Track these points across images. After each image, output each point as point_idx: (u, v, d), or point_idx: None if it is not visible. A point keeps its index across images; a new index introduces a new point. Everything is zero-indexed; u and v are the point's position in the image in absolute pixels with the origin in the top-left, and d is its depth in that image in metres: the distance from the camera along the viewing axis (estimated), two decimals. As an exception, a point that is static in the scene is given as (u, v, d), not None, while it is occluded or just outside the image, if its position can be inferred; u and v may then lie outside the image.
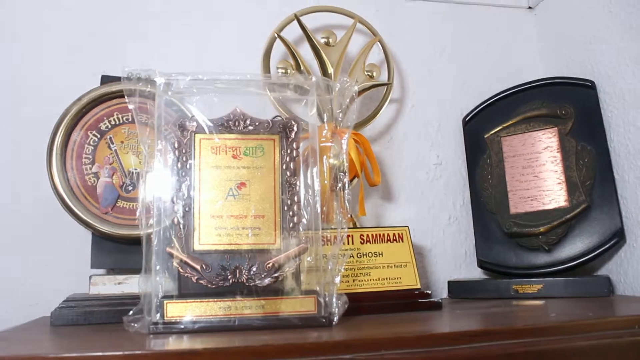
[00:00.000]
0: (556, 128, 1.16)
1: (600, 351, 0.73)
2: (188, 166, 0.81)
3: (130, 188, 1.00)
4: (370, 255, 0.97)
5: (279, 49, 1.15)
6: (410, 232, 1.01)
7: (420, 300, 0.95)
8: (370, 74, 1.15)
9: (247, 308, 0.77)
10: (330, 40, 1.14)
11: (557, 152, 1.15)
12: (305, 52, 1.15)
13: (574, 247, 1.10)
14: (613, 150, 1.12)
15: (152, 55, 1.19)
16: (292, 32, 1.16)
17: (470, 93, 1.34)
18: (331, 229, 0.91)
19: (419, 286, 0.97)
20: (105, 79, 1.04)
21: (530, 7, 1.42)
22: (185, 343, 0.69)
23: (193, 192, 0.80)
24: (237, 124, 0.83)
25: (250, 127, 0.83)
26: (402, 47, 1.32)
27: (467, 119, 1.28)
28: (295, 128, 0.84)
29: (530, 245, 1.14)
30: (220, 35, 1.23)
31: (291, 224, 0.81)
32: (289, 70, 1.10)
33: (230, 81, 0.84)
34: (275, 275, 0.79)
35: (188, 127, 0.82)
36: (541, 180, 1.16)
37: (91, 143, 1.00)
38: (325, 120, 1.03)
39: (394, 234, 1.00)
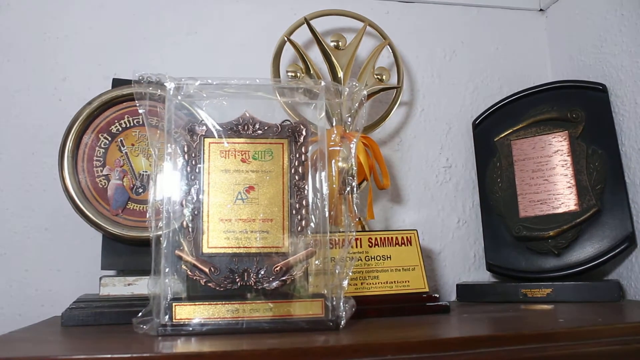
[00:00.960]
0: (567, 131, 1.16)
1: (608, 357, 0.73)
2: (197, 170, 0.82)
3: (140, 190, 1.00)
4: (378, 258, 0.97)
5: (289, 52, 1.16)
6: (418, 235, 1.01)
7: (428, 304, 0.95)
8: (380, 77, 1.15)
9: (255, 311, 0.77)
10: (340, 43, 1.14)
11: (568, 155, 1.15)
12: (315, 55, 1.15)
13: (583, 251, 1.10)
14: (624, 154, 1.11)
15: (163, 59, 1.19)
16: (302, 36, 1.16)
17: (480, 96, 1.34)
18: (340, 232, 0.91)
19: (427, 289, 0.97)
20: (117, 82, 1.05)
21: (541, 10, 1.41)
22: (192, 346, 0.69)
23: (202, 195, 0.81)
24: (246, 128, 0.84)
25: (260, 131, 0.84)
26: (413, 50, 1.32)
27: (476, 122, 1.28)
28: (304, 132, 0.85)
29: (540, 249, 1.13)
30: (231, 40, 1.23)
31: (299, 228, 0.82)
32: (298, 74, 1.10)
33: (239, 85, 0.85)
34: (283, 278, 0.79)
35: (197, 131, 0.83)
36: (551, 183, 1.15)
37: (102, 146, 1.00)
38: (334, 124, 1.04)
39: (402, 238, 1.00)
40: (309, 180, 0.83)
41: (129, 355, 0.62)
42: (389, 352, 0.66)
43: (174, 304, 0.77)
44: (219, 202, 0.81)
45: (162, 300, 0.77)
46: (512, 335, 0.73)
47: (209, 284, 0.78)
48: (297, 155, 0.84)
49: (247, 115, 0.84)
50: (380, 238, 0.99)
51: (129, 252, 1.00)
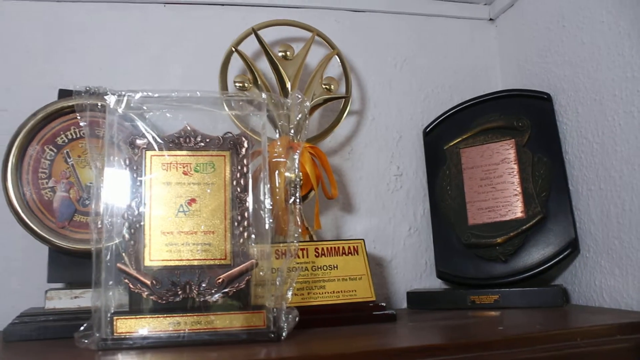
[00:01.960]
0: (513, 140, 1.18)
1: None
2: (139, 183, 0.82)
3: (87, 202, 1.00)
4: (325, 268, 0.98)
5: (238, 62, 1.16)
6: (365, 245, 1.02)
7: (374, 313, 0.97)
8: (328, 87, 1.16)
9: (196, 323, 0.78)
10: (288, 53, 1.14)
11: (514, 163, 1.17)
12: (264, 66, 1.16)
13: (530, 257, 1.12)
14: (568, 162, 1.14)
15: (111, 69, 1.18)
16: (251, 46, 1.17)
17: (431, 104, 1.35)
18: (284, 242, 0.92)
19: (374, 298, 0.98)
20: (63, 93, 1.04)
21: (491, 19, 1.44)
22: (131, 359, 0.69)
23: (144, 208, 0.81)
24: (187, 140, 0.84)
25: (202, 144, 0.84)
26: (363, 59, 1.33)
27: (427, 130, 1.30)
28: (245, 144, 0.85)
29: (488, 256, 1.15)
30: (180, 50, 1.23)
31: (241, 240, 0.82)
32: (246, 84, 1.11)
33: (182, 98, 0.85)
34: (225, 290, 0.80)
35: (139, 144, 0.83)
36: (498, 191, 1.17)
37: (48, 157, 1.00)
38: (279, 135, 1.04)
39: (349, 247, 1.01)
40: (250, 192, 0.84)
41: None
42: (324, 363, 0.67)
43: (114, 318, 0.76)
44: (161, 215, 0.81)
45: (103, 314, 0.77)
46: (448, 345, 0.74)
47: (151, 297, 0.78)
48: (239, 167, 0.84)
49: (189, 127, 0.84)
50: (327, 248, 1.00)
51: (76, 265, 0.98)
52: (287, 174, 0.95)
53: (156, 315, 0.77)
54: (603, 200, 1.05)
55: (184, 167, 0.83)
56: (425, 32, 1.40)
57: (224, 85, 1.12)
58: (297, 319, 0.81)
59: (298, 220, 0.88)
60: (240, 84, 1.11)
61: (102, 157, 0.83)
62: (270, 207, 0.84)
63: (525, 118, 1.18)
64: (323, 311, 0.94)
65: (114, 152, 0.83)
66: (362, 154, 1.30)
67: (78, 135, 1.02)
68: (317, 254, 0.99)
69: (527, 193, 1.14)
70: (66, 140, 1.01)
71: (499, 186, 1.18)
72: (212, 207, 0.82)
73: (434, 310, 1.10)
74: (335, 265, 0.99)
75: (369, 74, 1.34)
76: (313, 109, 1.15)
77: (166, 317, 0.77)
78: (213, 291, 0.79)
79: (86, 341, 0.76)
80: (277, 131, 1.05)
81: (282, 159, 0.94)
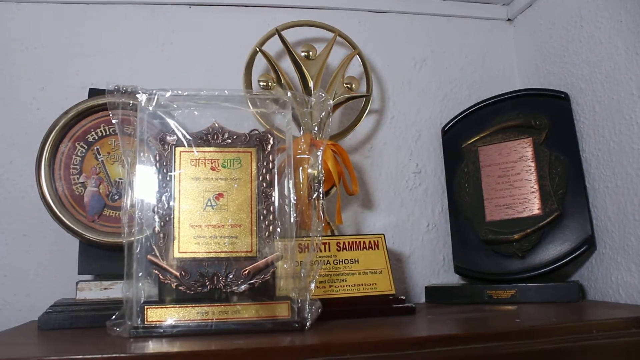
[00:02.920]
0: (531, 138, 1.20)
1: (560, 355, 0.77)
2: (168, 178, 0.85)
3: (116, 197, 1.03)
4: (346, 262, 1.01)
5: (262, 62, 1.19)
6: (385, 239, 1.05)
7: (394, 306, 0.99)
8: (349, 86, 1.19)
9: (223, 313, 0.81)
10: (311, 53, 1.17)
11: (532, 161, 1.19)
12: (287, 65, 1.19)
13: (546, 253, 1.14)
14: (585, 160, 1.16)
15: (140, 69, 1.22)
16: (275, 46, 1.20)
17: (449, 103, 1.38)
18: (308, 237, 0.95)
19: (393, 292, 1.01)
20: (93, 92, 1.08)
21: (509, 19, 1.46)
22: (162, 346, 0.73)
23: (173, 202, 0.84)
24: (215, 137, 0.87)
25: (229, 140, 0.87)
26: (384, 59, 1.36)
27: (445, 128, 1.32)
28: (271, 141, 0.88)
29: (505, 252, 1.17)
30: (205, 50, 1.27)
31: (267, 233, 0.85)
32: (270, 83, 1.14)
33: (209, 96, 0.88)
34: (251, 281, 0.83)
35: (168, 141, 0.86)
36: (516, 188, 1.19)
37: (79, 154, 1.03)
38: (302, 132, 1.07)
39: (369, 242, 1.04)
40: (275, 187, 0.87)
41: (99, 356, 0.65)
42: (348, 352, 0.69)
43: (145, 307, 0.80)
44: (190, 209, 0.84)
45: (135, 304, 0.81)
46: (467, 335, 0.77)
47: (180, 288, 0.82)
48: (265, 163, 0.87)
49: (217, 125, 0.88)
50: (348, 242, 1.03)
51: (105, 258, 1.02)
52: (310, 170, 0.98)
53: (185, 305, 0.80)
54: (620, 197, 1.07)
55: (211, 163, 0.86)
56: (445, 33, 1.42)
57: (248, 84, 1.15)
58: (320, 310, 0.84)
59: (321, 215, 0.91)
60: (264, 83, 1.14)
61: (133, 153, 0.86)
62: (295, 202, 0.87)
63: (542, 117, 1.20)
64: (344, 303, 0.97)
65: (144, 148, 0.86)
66: (382, 152, 1.32)
67: (108, 133, 1.05)
68: (338, 248, 1.01)
69: (544, 190, 1.16)
70: (96, 138, 1.05)
71: (516, 183, 1.20)
72: (238, 201, 0.85)
73: (452, 305, 1.12)
74: (356, 259, 1.01)
75: (389, 73, 1.36)
76: (335, 107, 1.17)
77: (194, 306, 0.80)
78: (239, 282, 0.82)
79: (118, 329, 0.79)
80: (301, 129, 1.08)
81: (305, 156, 0.96)
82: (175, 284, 0.82)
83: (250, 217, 0.85)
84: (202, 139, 0.87)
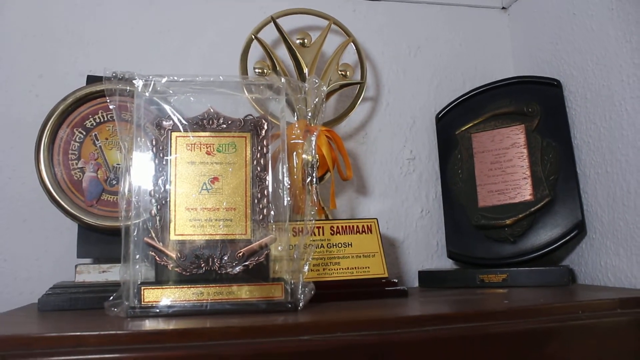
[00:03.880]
0: (523, 125, 1.22)
1: (546, 334, 0.79)
2: (165, 162, 0.87)
3: (114, 182, 1.05)
4: (340, 245, 1.03)
5: (258, 50, 1.20)
6: (379, 224, 1.07)
7: (386, 289, 1.01)
8: (343, 73, 1.20)
9: (218, 294, 0.83)
10: (306, 41, 1.19)
11: (524, 148, 1.21)
12: (282, 53, 1.20)
13: (537, 238, 1.16)
14: (576, 147, 1.17)
15: (136, 57, 1.24)
16: (270, 34, 1.21)
17: (443, 91, 1.39)
18: (301, 220, 0.97)
19: (386, 275, 1.03)
20: (91, 79, 1.10)
21: (503, 8, 1.47)
22: (158, 325, 0.74)
23: (169, 186, 0.86)
24: (211, 122, 0.89)
25: (224, 126, 0.89)
26: (378, 47, 1.38)
27: (439, 116, 1.34)
28: (265, 126, 0.90)
29: (497, 237, 1.20)
30: (201, 38, 1.28)
31: (261, 216, 0.87)
32: (265, 71, 1.15)
33: (205, 82, 0.90)
34: (246, 263, 0.85)
35: (165, 126, 0.88)
36: (508, 175, 1.21)
37: (77, 140, 1.05)
38: (296, 118, 1.09)
39: (363, 226, 1.05)
40: (270, 171, 0.89)
41: (97, 333, 0.67)
42: (338, 330, 0.71)
43: (142, 287, 0.82)
44: (185, 192, 0.86)
45: (132, 285, 0.83)
46: (455, 314, 0.79)
47: (176, 269, 0.84)
48: (259, 148, 0.89)
49: (212, 110, 0.89)
50: (342, 226, 1.04)
51: (103, 241, 1.04)
52: (304, 155, 1.00)
53: (181, 286, 0.82)
54: (609, 183, 1.09)
55: (207, 148, 0.88)
56: (439, 21, 1.43)
57: (244, 71, 1.17)
58: (312, 291, 0.86)
59: (314, 199, 0.93)
60: (260, 70, 1.15)
61: (130, 138, 0.88)
62: (289, 186, 0.89)
63: (535, 104, 1.22)
64: (338, 286, 0.99)
65: (141, 134, 0.88)
66: (377, 139, 1.34)
67: (105, 119, 1.07)
68: (332, 232, 1.03)
69: (535, 176, 1.18)
70: (94, 124, 1.07)
71: (508, 170, 1.21)
72: (233, 185, 0.87)
73: (445, 289, 1.14)
74: (349, 243, 1.03)
75: (384, 61, 1.38)
76: (329, 94, 1.19)
77: (190, 287, 0.83)
78: (234, 264, 0.84)
79: (115, 309, 0.81)
80: (295, 114, 1.09)
81: (299, 141, 0.98)
82: (171, 265, 0.84)
83: (245, 200, 0.87)
84: (198, 124, 0.89)
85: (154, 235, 0.85)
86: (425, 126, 1.37)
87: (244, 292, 0.83)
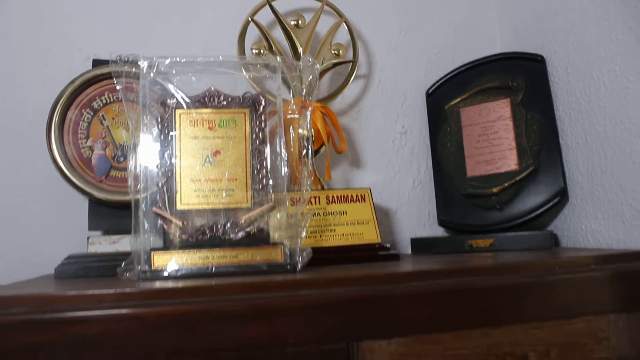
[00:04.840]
0: (509, 99, 1.28)
1: (526, 288, 0.86)
2: (170, 137, 0.93)
3: (121, 159, 1.12)
4: (335, 213, 1.10)
5: (255, 31, 1.26)
6: (372, 193, 1.13)
7: (380, 253, 1.08)
8: (336, 52, 1.26)
9: (222, 257, 0.90)
10: (300, 22, 1.25)
11: (509, 120, 1.27)
12: (278, 34, 1.26)
13: (523, 205, 1.22)
14: (558, 119, 1.23)
15: (139, 42, 1.29)
16: (266, 16, 1.27)
17: (433, 68, 1.45)
18: (298, 190, 1.03)
19: (379, 241, 1.09)
20: (97, 63, 1.16)
21: (491, -13, 1.53)
22: (168, 284, 0.81)
23: (175, 159, 0.93)
24: (212, 100, 0.95)
25: (224, 103, 0.96)
26: (370, 27, 1.43)
27: (429, 91, 1.40)
28: (263, 103, 0.96)
29: (485, 205, 1.26)
30: (200, 20, 1.34)
31: (260, 186, 0.94)
32: (262, 51, 1.21)
33: (205, 63, 0.96)
34: (247, 229, 0.91)
35: (169, 104, 0.94)
36: (495, 146, 1.27)
37: (85, 120, 1.11)
38: (292, 95, 1.15)
39: (357, 195, 1.12)
40: (268, 144, 0.95)
41: (114, 291, 0.74)
42: (333, 285, 0.78)
43: (152, 253, 0.89)
44: (190, 165, 0.93)
45: (142, 252, 0.89)
46: (442, 270, 0.85)
47: (183, 236, 0.91)
48: (258, 123, 0.95)
49: (213, 88, 0.96)
50: (337, 196, 1.11)
51: (112, 215, 1.11)
52: (300, 130, 1.06)
53: (187, 251, 0.89)
54: (589, 152, 1.15)
55: (209, 123, 0.94)
56: (430, 1, 1.49)
57: (241, 52, 1.23)
58: (310, 255, 0.92)
59: (310, 169, 1.00)
60: (257, 50, 1.21)
61: (137, 116, 0.94)
62: (286, 158, 0.95)
63: (520, 79, 1.27)
64: (333, 251, 1.06)
65: (146, 112, 0.94)
66: (369, 114, 1.41)
67: (112, 100, 1.13)
68: (328, 201, 1.10)
69: (521, 147, 1.24)
70: (101, 104, 1.13)
71: (495, 141, 1.28)
72: (234, 157, 0.94)
73: (435, 254, 1.21)
74: (344, 211, 1.10)
75: (376, 40, 1.44)
76: (323, 72, 1.25)
77: (196, 252, 0.89)
78: (236, 230, 0.91)
79: (127, 274, 0.88)
80: (291, 92, 1.15)
81: (295, 116, 1.05)
82: (178, 233, 0.91)
83: (245, 171, 0.94)
84: (200, 101, 0.95)
85: (161, 205, 0.91)
86: (416, 102, 1.43)
87: (246, 255, 0.90)
